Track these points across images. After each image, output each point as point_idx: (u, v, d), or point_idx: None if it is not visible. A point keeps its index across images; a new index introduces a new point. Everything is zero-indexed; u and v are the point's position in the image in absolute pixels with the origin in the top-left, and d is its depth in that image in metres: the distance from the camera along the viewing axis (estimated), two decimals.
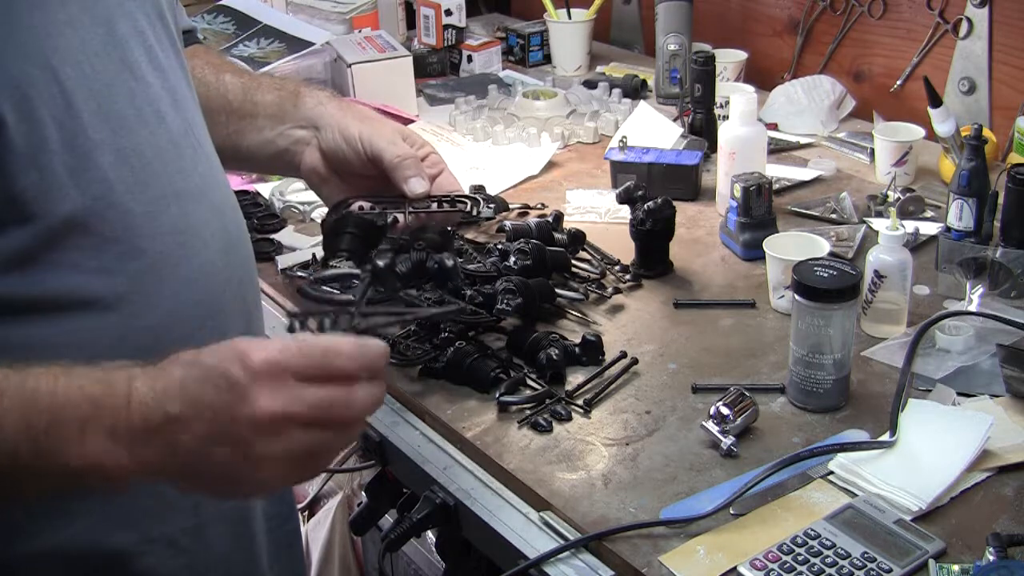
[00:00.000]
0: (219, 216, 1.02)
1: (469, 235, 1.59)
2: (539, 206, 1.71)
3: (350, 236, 1.20)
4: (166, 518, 1.00)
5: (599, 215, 1.69)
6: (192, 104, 1.04)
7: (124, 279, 0.92)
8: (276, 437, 0.79)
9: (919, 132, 1.76)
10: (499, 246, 1.44)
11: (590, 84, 2.18)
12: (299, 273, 1.53)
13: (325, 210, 1.27)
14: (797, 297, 1.20)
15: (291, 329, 0.87)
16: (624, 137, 1.77)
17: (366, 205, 1.22)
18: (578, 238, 1.53)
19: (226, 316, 1.02)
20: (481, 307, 1.34)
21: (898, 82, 2.03)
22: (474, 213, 1.25)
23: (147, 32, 0.98)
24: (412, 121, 2.05)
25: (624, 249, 1.53)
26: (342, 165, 1.22)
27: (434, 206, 1.23)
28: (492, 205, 1.37)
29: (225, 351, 0.80)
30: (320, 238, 1.30)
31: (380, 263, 1.15)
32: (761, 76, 2.18)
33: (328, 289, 1.09)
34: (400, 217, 1.21)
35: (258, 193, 1.79)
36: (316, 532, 2.30)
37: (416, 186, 1.18)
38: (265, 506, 1.15)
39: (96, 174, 0.90)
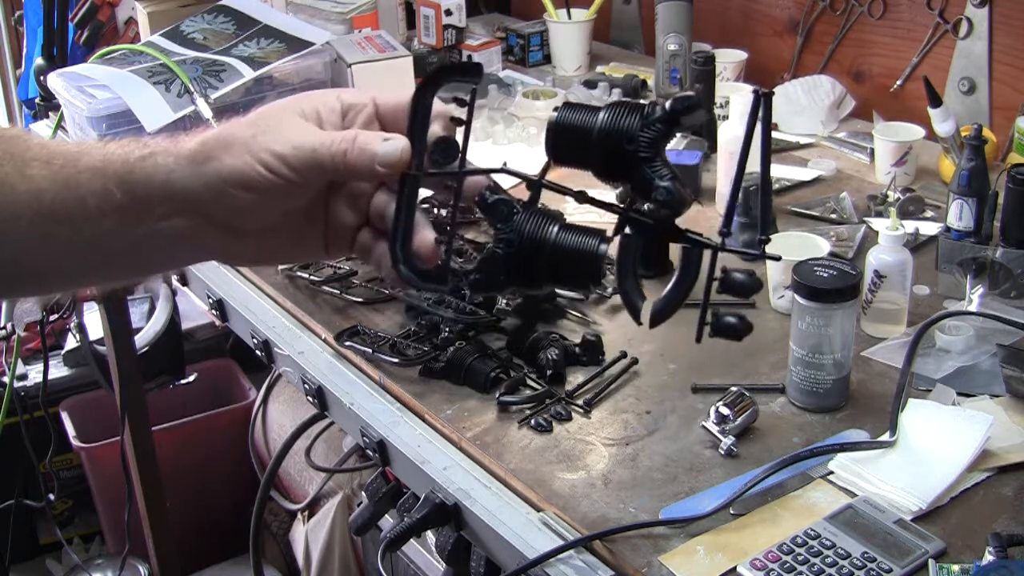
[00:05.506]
0: None
1: (469, 235, 1.59)
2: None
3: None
4: None
5: (599, 215, 1.68)
6: None
7: None
8: None
9: (919, 132, 1.76)
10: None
11: (590, 84, 2.18)
12: (299, 273, 1.53)
13: None
14: (797, 297, 1.20)
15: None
16: None
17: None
18: None
19: None
20: (481, 307, 1.34)
21: (898, 82, 2.03)
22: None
23: None
24: None
25: None
26: (273, 209, 0.75)
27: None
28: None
29: None
30: None
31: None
32: (761, 76, 2.18)
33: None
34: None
35: None
36: (316, 532, 2.31)
37: (388, 150, 0.76)
38: None
39: None
